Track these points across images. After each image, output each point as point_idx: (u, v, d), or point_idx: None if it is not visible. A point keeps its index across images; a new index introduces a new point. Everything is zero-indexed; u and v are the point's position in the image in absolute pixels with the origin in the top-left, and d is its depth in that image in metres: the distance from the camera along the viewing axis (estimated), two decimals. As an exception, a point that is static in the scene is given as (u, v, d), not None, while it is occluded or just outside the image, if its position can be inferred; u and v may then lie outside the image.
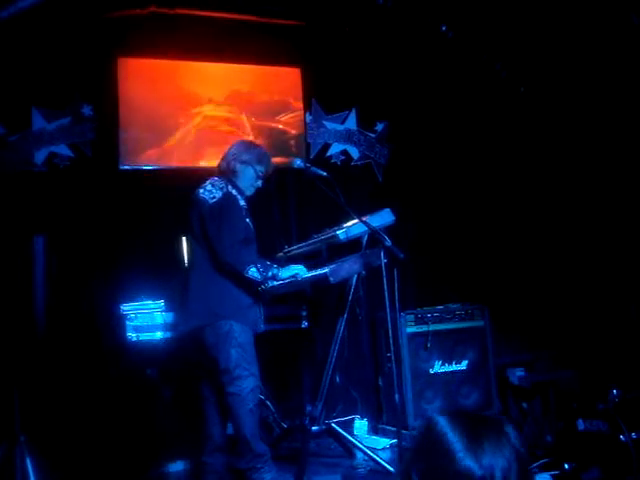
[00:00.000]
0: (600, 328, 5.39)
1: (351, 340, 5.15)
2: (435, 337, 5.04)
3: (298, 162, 4.26)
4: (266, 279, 3.99)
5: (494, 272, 6.00)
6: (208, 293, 3.94)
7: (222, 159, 4.28)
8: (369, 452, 4.49)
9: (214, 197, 3.99)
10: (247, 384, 3.83)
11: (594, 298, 5.60)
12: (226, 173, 4.17)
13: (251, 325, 3.99)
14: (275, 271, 4.04)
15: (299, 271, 4.17)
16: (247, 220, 4.06)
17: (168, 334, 4.76)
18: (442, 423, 1.41)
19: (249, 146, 4.36)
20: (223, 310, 3.89)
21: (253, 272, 3.87)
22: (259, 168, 4.23)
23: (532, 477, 1.41)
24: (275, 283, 4.08)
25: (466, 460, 1.33)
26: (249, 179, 4.21)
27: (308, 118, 6.20)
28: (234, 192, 4.06)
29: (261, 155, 4.28)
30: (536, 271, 5.98)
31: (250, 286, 4.01)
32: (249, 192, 4.22)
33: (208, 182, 4.12)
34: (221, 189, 4.02)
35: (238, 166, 4.17)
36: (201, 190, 4.07)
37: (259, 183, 4.28)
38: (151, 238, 5.32)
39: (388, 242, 3.90)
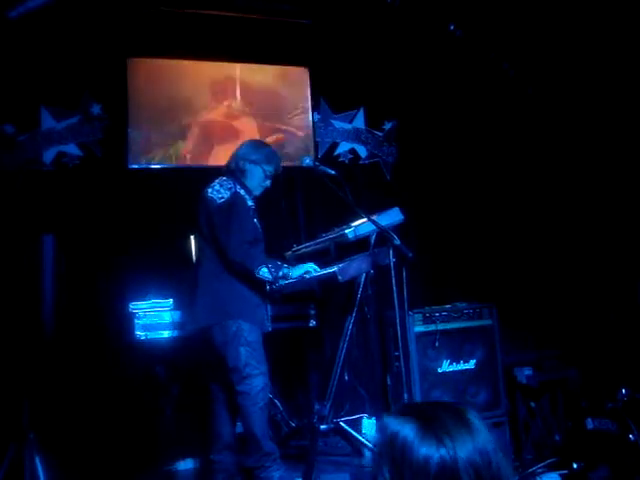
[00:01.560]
0: (608, 327, 5.38)
1: (359, 339, 5.17)
2: (443, 336, 5.02)
3: (307, 161, 4.26)
4: (277, 278, 3.99)
5: (502, 271, 5.99)
6: (216, 292, 3.94)
7: (231, 158, 4.28)
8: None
9: (222, 197, 3.99)
10: (257, 383, 3.84)
11: (602, 296, 5.58)
12: (234, 173, 4.17)
13: (259, 324, 3.99)
14: (286, 270, 4.01)
15: (310, 269, 4.17)
16: (255, 220, 4.06)
17: (176, 333, 4.78)
18: (391, 421, 1.40)
19: (258, 146, 4.35)
20: (232, 309, 3.89)
21: (264, 272, 3.88)
22: (268, 168, 4.22)
23: (505, 462, 1.39)
24: (285, 282, 4.08)
25: (421, 448, 1.32)
26: (258, 179, 4.21)
27: (316, 117, 6.21)
28: (242, 192, 4.06)
29: (270, 155, 4.28)
30: (544, 270, 5.97)
31: (258, 285, 4.01)
32: (257, 192, 4.22)
33: (216, 182, 4.12)
34: (229, 189, 4.02)
35: (247, 166, 4.17)
36: (209, 190, 4.08)
37: (267, 183, 4.28)
38: (160, 237, 5.32)
39: (397, 241, 3.90)
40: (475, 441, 1.34)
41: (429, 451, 1.32)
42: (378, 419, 5.37)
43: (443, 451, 1.31)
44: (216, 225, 3.95)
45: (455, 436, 1.33)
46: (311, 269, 4.16)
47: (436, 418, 1.38)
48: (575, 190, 5.96)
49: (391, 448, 1.36)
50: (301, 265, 4.19)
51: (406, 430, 1.36)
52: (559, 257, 5.97)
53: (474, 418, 1.40)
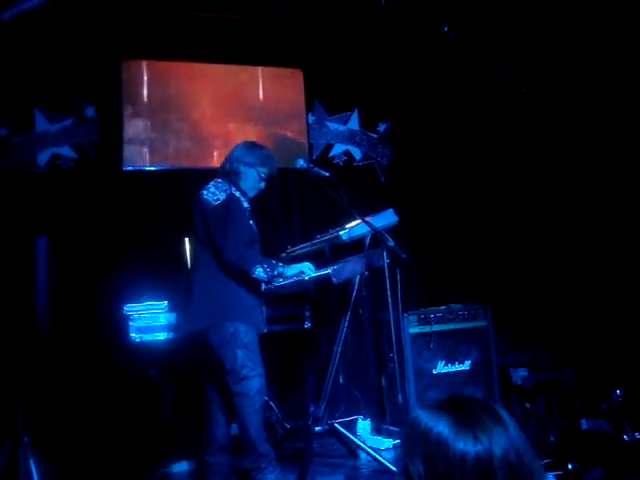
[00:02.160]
0: (603, 327, 5.39)
1: (354, 340, 5.17)
2: (438, 337, 5.04)
3: (301, 162, 4.27)
4: (273, 277, 4.00)
5: (497, 272, 6.00)
6: (212, 294, 3.94)
7: (225, 160, 4.28)
8: (372, 452, 4.49)
9: (218, 199, 4.00)
10: (254, 384, 3.84)
11: (597, 297, 5.60)
12: (229, 174, 4.17)
13: (255, 326, 4.00)
14: (281, 269, 4.04)
15: (304, 268, 4.18)
16: (250, 222, 4.07)
17: (171, 335, 4.77)
18: (426, 415, 1.41)
19: (253, 148, 4.35)
20: (228, 311, 3.90)
21: (260, 272, 3.89)
22: (262, 170, 4.23)
23: (537, 459, 1.40)
24: (281, 281, 4.09)
25: (458, 443, 1.33)
26: (252, 181, 4.21)
27: (311, 119, 6.21)
28: (237, 194, 4.06)
29: (264, 157, 4.28)
30: (538, 271, 5.98)
31: (254, 287, 4.02)
32: (252, 194, 4.23)
33: (211, 183, 4.12)
34: (224, 191, 4.02)
35: (241, 168, 4.18)
36: (204, 192, 4.08)
37: (262, 185, 4.28)
38: (154, 239, 5.32)
39: (391, 242, 3.91)
40: (509, 438, 1.35)
41: (466, 447, 1.32)
42: (373, 420, 5.38)
43: (479, 447, 1.32)
44: (212, 227, 3.95)
45: (491, 433, 1.34)
46: (306, 268, 4.17)
47: (472, 414, 1.39)
48: (569, 190, 5.98)
49: (425, 442, 1.37)
50: (296, 265, 4.19)
51: (441, 425, 1.37)
52: (553, 258, 5.98)
53: (505, 415, 1.41)
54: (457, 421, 1.37)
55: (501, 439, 1.34)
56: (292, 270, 4.12)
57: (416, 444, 1.39)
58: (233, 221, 3.92)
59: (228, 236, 3.87)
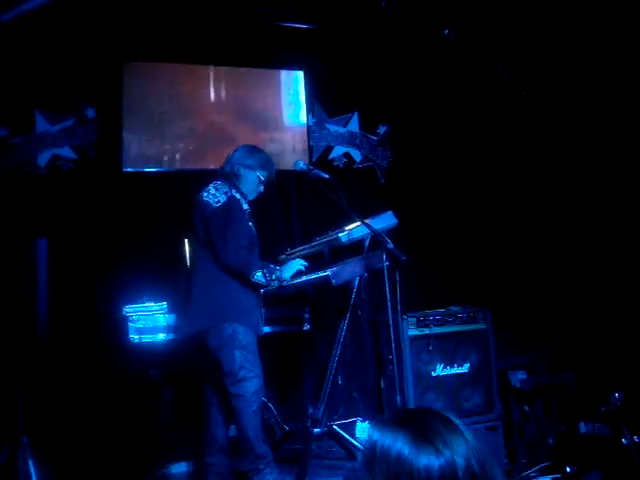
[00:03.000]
0: (602, 331, 5.38)
1: (353, 342, 5.16)
2: (437, 340, 5.02)
3: (301, 164, 4.27)
4: (270, 282, 4.01)
5: (496, 275, 6.00)
6: (211, 296, 3.95)
7: (225, 163, 4.29)
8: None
9: (218, 201, 4.00)
10: (251, 386, 3.84)
11: (596, 301, 5.59)
12: (229, 177, 4.18)
13: (253, 327, 4.00)
14: (278, 273, 4.05)
15: (299, 266, 4.19)
16: (250, 224, 4.07)
17: (170, 336, 4.78)
18: (381, 435, 1.38)
19: (253, 151, 4.35)
20: (226, 313, 3.90)
21: (259, 276, 3.91)
22: (262, 173, 4.24)
23: (495, 463, 1.39)
24: (276, 284, 4.10)
25: (420, 459, 1.31)
26: (252, 184, 4.22)
27: (311, 121, 6.22)
28: (238, 196, 4.07)
29: (264, 160, 4.29)
30: (538, 274, 5.98)
31: (253, 289, 4.02)
32: (251, 197, 4.23)
33: (211, 185, 4.12)
34: (225, 193, 4.03)
35: (241, 170, 4.18)
36: (204, 193, 4.08)
37: (261, 188, 4.29)
38: (154, 240, 5.33)
39: (390, 245, 3.91)
40: (469, 447, 1.34)
41: (429, 461, 1.31)
42: (372, 423, 5.38)
43: (442, 459, 1.31)
44: (212, 229, 3.96)
45: (451, 443, 1.33)
46: (300, 266, 4.18)
47: (429, 426, 1.37)
48: (569, 193, 5.98)
49: (385, 462, 1.35)
50: (290, 263, 4.20)
51: (399, 443, 1.34)
52: (553, 261, 5.98)
53: (460, 423, 1.40)
54: (415, 436, 1.34)
55: (461, 448, 1.33)
56: (287, 272, 4.13)
57: (375, 465, 1.37)
58: (233, 224, 3.93)
59: (228, 239, 3.88)
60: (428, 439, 1.33)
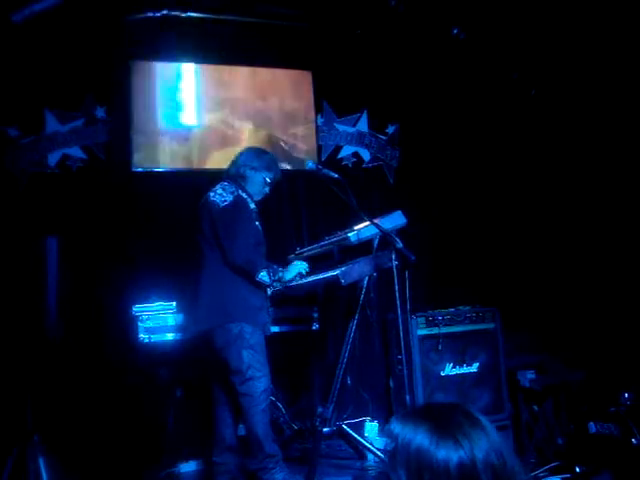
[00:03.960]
0: (612, 330, 5.37)
1: (362, 342, 5.15)
2: (446, 339, 5.02)
3: (310, 164, 4.28)
4: (274, 282, 4.04)
5: (505, 274, 5.99)
6: (218, 295, 3.96)
7: (232, 164, 4.31)
8: (380, 454, 4.49)
9: (225, 200, 4.01)
10: (260, 385, 3.85)
11: (606, 300, 5.57)
12: (235, 178, 4.20)
13: (261, 327, 4.00)
14: (280, 274, 4.07)
15: (301, 269, 4.20)
16: (257, 223, 4.08)
17: (179, 335, 4.79)
18: (403, 427, 1.40)
19: (259, 153, 4.38)
20: (234, 312, 3.91)
21: (263, 276, 3.93)
22: (268, 175, 4.26)
23: (517, 461, 1.40)
24: (278, 285, 4.13)
25: (439, 451, 1.33)
26: (258, 186, 4.25)
27: (320, 121, 6.22)
28: (244, 195, 4.09)
29: (270, 162, 4.32)
30: (547, 273, 5.97)
31: (260, 288, 4.03)
32: (257, 198, 4.25)
33: (218, 186, 4.14)
34: (232, 193, 4.05)
35: (248, 172, 4.21)
36: (212, 194, 4.10)
37: (267, 190, 4.32)
38: (163, 240, 5.33)
39: (399, 244, 3.90)
40: (490, 441, 1.35)
41: (448, 453, 1.32)
42: (381, 422, 5.38)
43: (461, 452, 1.32)
44: (219, 229, 3.97)
45: (471, 437, 1.34)
46: (302, 269, 4.20)
47: (450, 420, 1.38)
48: (579, 192, 5.96)
49: (406, 453, 1.37)
50: (292, 265, 4.21)
51: (420, 435, 1.36)
52: (562, 260, 5.97)
53: (483, 418, 1.41)
54: (435, 429, 1.36)
55: (482, 442, 1.34)
56: (290, 274, 4.15)
57: (397, 458, 1.39)
58: (240, 223, 3.94)
59: (235, 238, 3.90)
60: (448, 432, 1.35)
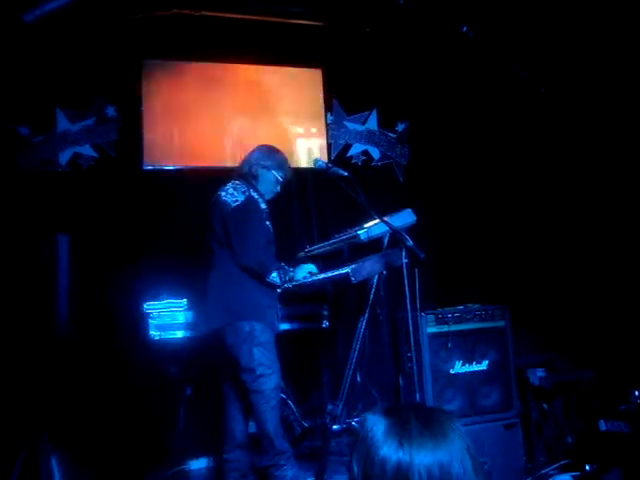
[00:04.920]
0: (622, 328, 5.36)
1: (372, 340, 5.14)
2: (456, 337, 5.02)
3: (320, 162, 4.28)
4: (284, 282, 4.07)
5: (515, 272, 5.98)
6: (228, 294, 3.97)
7: (243, 162, 4.32)
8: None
9: (236, 200, 4.03)
10: (270, 382, 3.87)
11: (616, 297, 5.57)
12: (247, 177, 4.21)
13: (270, 325, 4.02)
14: (291, 274, 4.10)
15: (311, 269, 4.23)
16: (267, 223, 4.09)
17: (190, 333, 4.81)
18: (370, 418, 1.44)
19: (270, 152, 4.38)
20: (243, 310, 3.92)
21: (275, 277, 3.96)
22: (279, 174, 4.27)
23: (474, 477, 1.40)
24: (289, 286, 4.14)
25: (383, 447, 1.36)
26: (269, 184, 4.25)
27: (329, 118, 6.23)
28: (256, 195, 4.10)
29: (282, 161, 4.33)
30: (557, 271, 5.96)
31: (269, 287, 4.04)
32: (268, 197, 4.26)
33: (229, 185, 4.15)
34: (243, 192, 4.06)
35: (259, 171, 4.21)
36: (222, 193, 4.11)
37: (278, 188, 4.33)
38: (173, 237, 5.35)
39: (409, 242, 3.90)
40: (436, 453, 1.35)
41: (389, 451, 1.35)
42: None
43: (401, 454, 1.34)
44: (230, 228, 3.98)
45: (415, 442, 1.35)
46: (309, 270, 4.22)
47: (405, 423, 1.39)
48: (589, 190, 5.95)
49: (361, 442, 1.41)
50: (302, 266, 4.23)
51: (375, 428, 1.40)
52: (572, 258, 5.96)
53: (450, 429, 1.40)
54: (389, 427, 1.39)
55: (425, 451, 1.34)
56: (300, 274, 4.17)
57: (356, 445, 1.43)
58: (251, 223, 3.95)
59: (246, 239, 3.91)
60: (397, 433, 1.37)
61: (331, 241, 4.69)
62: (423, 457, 1.33)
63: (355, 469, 1.39)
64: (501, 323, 5.18)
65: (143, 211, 5.37)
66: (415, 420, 1.40)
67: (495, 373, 5.10)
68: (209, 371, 4.44)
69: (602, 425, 4.10)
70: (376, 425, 1.40)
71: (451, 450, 1.36)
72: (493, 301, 5.28)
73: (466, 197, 6.28)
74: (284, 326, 4.77)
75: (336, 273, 4.20)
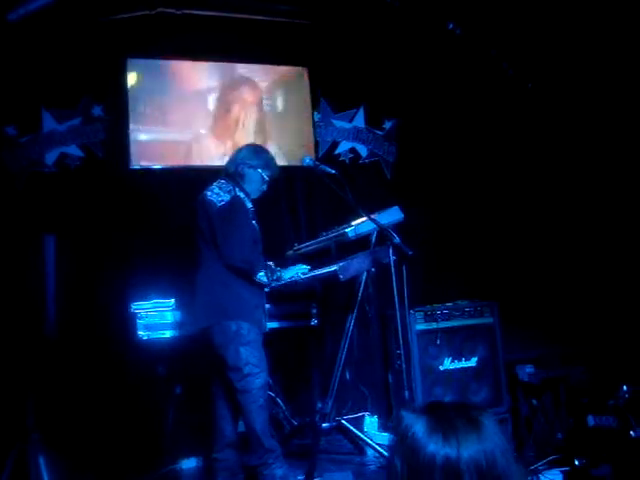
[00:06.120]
0: (610, 323, 5.38)
1: (361, 337, 5.16)
2: (445, 334, 5.04)
3: (307, 160, 4.28)
4: (272, 281, 4.10)
5: (503, 268, 5.99)
6: (215, 293, 3.98)
7: (230, 162, 4.32)
8: (379, 449, 4.51)
9: (222, 200, 4.03)
10: (257, 381, 3.87)
11: (604, 293, 5.59)
12: (233, 176, 4.20)
13: (257, 324, 4.02)
14: (278, 274, 4.16)
15: (300, 271, 4.26)
16: (253, 222, 4.09)
17: (178, 333, 4.80)
18: (406, 416, 1.46)
19: (257, 151, 4.38)
20: (231, 310, 3.92)
21: (262, 276, 3.98)
22: (266, 173, 4.26)
23: (514, 468, 1.42)
24: (276, 284, 4.16)
25: (429, 444, 1.37)
26: (256, 183, 4.25)
27: (316, 116, 6.22)
28: (241, 195, 4.09)
29: (269, 160, 4.32)
30: (546, 267, 5.97)
31: (256, 287, 4.05)
32: (254, 196, 4.26)
33: (214, 184, 4.15)
34: (229, 192, 4.05)
35: (246, 170, 4.21)
36: (208, 192, 4.10)
37: (264, 187, 4.32)
38: (161, 237, 5.34)
39: (397, 239, 3.91)
40: (482, 444, 1.38)
41: (436, 448, 1.37)
42: (380, 417, 5.40)
43: (448, 449, 1.36)
44: (216, 228, 3.98)
45: (461, 436, 1.38)
46: (301, 271, 4.24)
47: (447, 418, 1.42)
48: (577, 187, 5.97)
49: (402, 441, 1.42)
50: (292, 267, 4.25)
51: (417, 426, 1.41)
52: (561, 254, 5.97)
53: (488, 422, 1.43)
54: (431, 423, 1.41)
55: (471, 443, 1.37)
56: (288, 273, 4.23)
57: (397, 443, 1.45)
58: (237, 223, 3.95)
59: (231, 238, 3.91)
60: (440, 428, 1.39)
61: (319, 239, 4.71)
62: (469, 450, 1.36)
63: (399, 468, 1.41)
64: (490, 320, 5.20)
65: (130, 211, 5.35)
66: (457, 416, 1.43)
67: (484, 369, 5.13)
68: (198, 370, 4.44)
69: (591, 420, 4.11)
70: (416, 423, 1.42)
71: (493, 441, 1.40)
72: (482, 298, 5.29)
73: (454, 194, 6.28)
74: (273, 324, 4.76)
75: (324, 271, 4.22)
